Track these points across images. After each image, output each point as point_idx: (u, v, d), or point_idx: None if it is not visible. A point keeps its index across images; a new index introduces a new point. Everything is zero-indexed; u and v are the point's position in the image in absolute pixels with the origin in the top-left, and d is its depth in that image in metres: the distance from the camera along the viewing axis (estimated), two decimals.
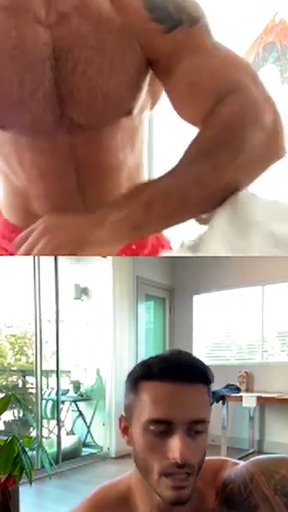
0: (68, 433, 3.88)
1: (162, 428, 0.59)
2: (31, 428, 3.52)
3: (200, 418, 0.60)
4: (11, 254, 1.11)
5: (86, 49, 0.89)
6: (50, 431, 3.68)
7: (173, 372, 0.60)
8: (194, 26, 0.91)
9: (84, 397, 3.93)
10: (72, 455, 3.49)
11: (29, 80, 0.88)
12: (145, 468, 0.61)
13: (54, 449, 3.31)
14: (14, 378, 4.33)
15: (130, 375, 0.64)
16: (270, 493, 0.63)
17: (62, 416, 3.77)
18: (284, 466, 0.64)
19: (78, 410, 3.88)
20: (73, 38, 0.89)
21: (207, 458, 0.69)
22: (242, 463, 0.69)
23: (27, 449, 1.65)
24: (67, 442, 3.55)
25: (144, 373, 0.61)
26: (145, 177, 1.13)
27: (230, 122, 0.82)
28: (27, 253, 0.78)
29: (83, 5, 0.90)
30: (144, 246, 1.17)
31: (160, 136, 4.35)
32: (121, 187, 1.05)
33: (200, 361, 0.63)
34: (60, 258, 3.28)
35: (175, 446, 0.58)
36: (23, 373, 4.24)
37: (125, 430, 0.66)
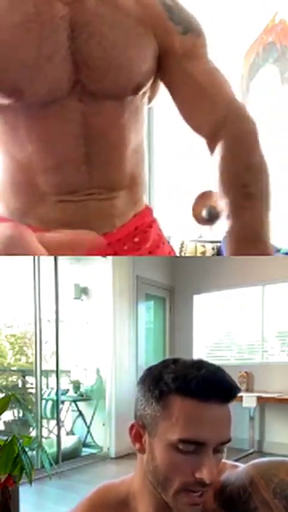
0: (68, 433, 3.88)
1: (192, 448, 0.58)
2: (31, 428, 3.52)
3: (229, 439, 0.60)
4: None
5: (101, 26, 0.96)
6: (50, 431, 3.68)
7: (212, 392, 0.58)
8: (199, 37, 1.05)
9: (84, 397, 3.93)
10: (72, 455, 3.49)
11: (45, 47, 0.94)
12: (164, 482, 0.60)
13: (54, 449, 3.31)
14: (14, 378, 4.33)
15: (156, 383, 0.60)
16: (269, 497, 0.63)
17: (62, 416, 3.77)
18: (283, 470, 0.64)
19: (78, 410, 3.87)
20: (90, 15, 0.95)
21: None
22: (241, 465, 0.69)
23: (27, 449, 1.65)
24: (67, 442, 3.55)
25: (179, 388, 0.58)
26: (145, 161, 1.18)
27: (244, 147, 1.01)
28: None
29: None
30: (147, 240, 1.20)
31: (159, 132, 4.35)
32: (125, 165, 1.09)
33: (233, 380, 0.61)
34: (60, 258, 3.29)
35: (204, 467, 0.58)
36: (23, 373, 4.24)
37: (137, 437, 0.63)
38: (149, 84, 1.05)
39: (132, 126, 1.07)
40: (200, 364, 0.60)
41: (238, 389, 0.60)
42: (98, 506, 0.67)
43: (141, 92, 1.04)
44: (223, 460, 0.70)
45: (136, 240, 1.18)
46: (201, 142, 1.09)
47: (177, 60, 1.03)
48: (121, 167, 1.08)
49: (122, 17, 0.98)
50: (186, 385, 0.57)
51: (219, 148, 1.01)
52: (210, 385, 0.57)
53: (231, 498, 0.65)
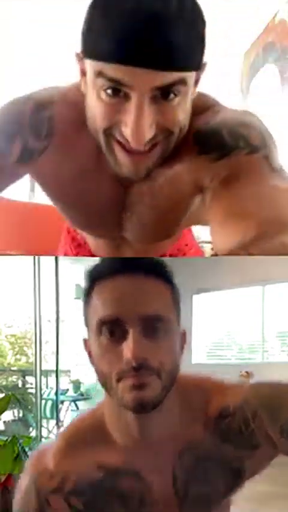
0: None
1: (114, 328, 0.56)
2: (31, 428, 3.52)
3: (155, 314, 0.56)
4: None
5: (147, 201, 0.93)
6: (50, 431, 3.68)
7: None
8: (252, 154, 0.81)
9: (84, 396, 3.93)
10: None
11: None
12: (104, 379, 0.59)
13: None
14: (14, 378, 4.33)
15: (84, 290, 0.61)
16: (275, 435, 0.60)
17: (62, 416, 3.77)
18: None
19: (78, 409, 3.87)
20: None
21: (193, 376, 0.66)
22: (235, 387, 0.65)
23: (27, 449, 1.65)
24: None
25: (94, 278, 0.58)
26: None
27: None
28: None
29: None
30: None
31: None
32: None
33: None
34: (61, 258, 3.28)
35: (127, 346, 0.55)
36: (23, 373, 4.24)
37: (90, 352, 0.63)
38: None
39: None
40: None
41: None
42: (73, 442, 0.65)
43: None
44: (214, 379, 0.66)
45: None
46: None
47: (211, 189, 0.89)
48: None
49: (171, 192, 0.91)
50: (98, 270, 0.58)
51: None
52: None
53: (230, 431, 0.62)
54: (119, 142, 0.70)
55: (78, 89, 0.82)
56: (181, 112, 0.69)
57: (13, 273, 3.51)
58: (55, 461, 0.65)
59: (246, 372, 3.82)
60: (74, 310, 3.94)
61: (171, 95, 0.63)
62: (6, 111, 0.86)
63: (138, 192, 0.90)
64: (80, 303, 0.63)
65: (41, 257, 2.91)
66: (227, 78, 3.53)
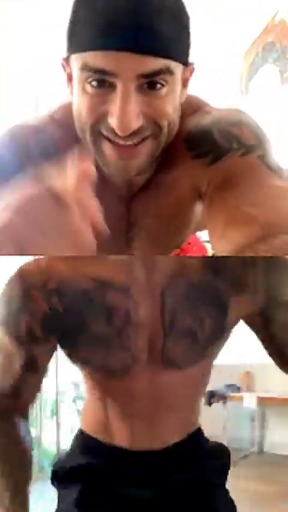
0: (67, 433, 3.88)
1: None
2: (31, 428, 3.52)
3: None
4: None
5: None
6: (50, 432, 3.68)
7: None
8: (246, 155, 0.78)
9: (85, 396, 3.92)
10: None
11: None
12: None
13: (54, 449, 3.31)
14: None
15: None
16: (262, 288, 0.66)
17: (62, 415, 3.76)
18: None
19: (78, 409, 3.87)
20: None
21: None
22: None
23: None
24: (66, 442, 3.55)
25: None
26: None
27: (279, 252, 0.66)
28: None
29: None
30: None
31: None
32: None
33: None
34: None
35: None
36: None
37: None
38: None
39: None
40: None
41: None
42: (23, 276, 0.73)
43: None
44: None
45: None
46: None
47: (208, 195, 0.84)
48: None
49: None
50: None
51: None
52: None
53: (225, 266, 0.67)
54: (107, 138, 0.69)
55: (63, 108, 0.81)
56: (169, 104, 0.68)
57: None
58: (48, 262, 0.69)
59: (246, 372, 3.82)
60: None
61: (158, 85, 0.63)
62: (8, 139, 0.82)
63: (142, 205, 0.88)
64: None
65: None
66: (227, 78, 3.52)
